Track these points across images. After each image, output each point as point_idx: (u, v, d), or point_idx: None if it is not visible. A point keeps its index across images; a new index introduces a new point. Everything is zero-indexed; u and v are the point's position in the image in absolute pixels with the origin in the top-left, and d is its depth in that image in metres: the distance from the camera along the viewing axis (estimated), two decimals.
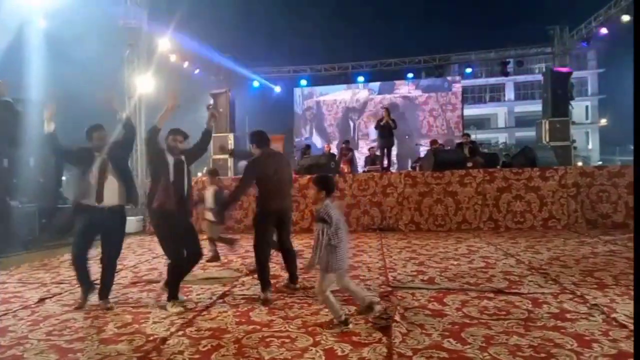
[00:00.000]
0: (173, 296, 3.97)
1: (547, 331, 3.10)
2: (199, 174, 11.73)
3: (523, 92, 40.52)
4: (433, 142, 12.92)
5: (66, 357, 2.92)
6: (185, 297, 4.17)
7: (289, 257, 4.54)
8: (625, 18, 14.67)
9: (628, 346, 2.80)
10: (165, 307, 3.89)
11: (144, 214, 9.41)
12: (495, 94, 41.99)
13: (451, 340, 3.00)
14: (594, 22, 16.78)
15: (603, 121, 38.66)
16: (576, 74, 21.36)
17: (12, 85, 8.66)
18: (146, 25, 12.89)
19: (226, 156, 12.25)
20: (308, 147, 14.23)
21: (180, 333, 3.28)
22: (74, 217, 4.03)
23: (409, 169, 14.88)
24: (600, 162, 31.46)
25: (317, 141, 21.28)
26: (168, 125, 4.18)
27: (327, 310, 3.69)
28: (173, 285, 4.02)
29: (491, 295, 4.05)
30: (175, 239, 4.01)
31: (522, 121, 39.10)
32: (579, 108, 33.91)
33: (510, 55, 20.45)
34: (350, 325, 3.25)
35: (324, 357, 2.79)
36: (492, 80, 39.59)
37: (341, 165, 12.20)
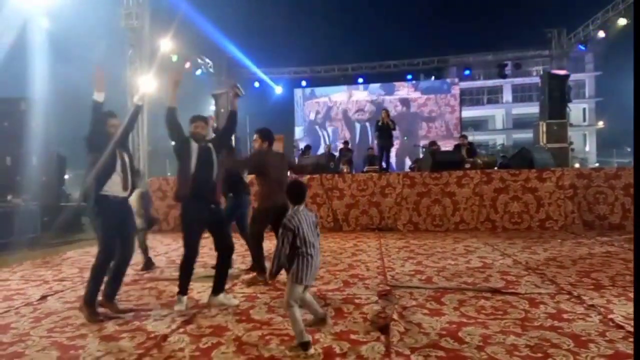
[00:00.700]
0: (180, 291, 3.89)
1: (544, 331, 3.14)
2: None
3: (521, 94, 40.63)
4: (431, 143, 12.98)
5: (68, 353, 2.94)
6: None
7: None
8: (622, 22, 14.78)
9: (624, 347, 2.84)
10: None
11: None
12: (493, 96, 42.11)
13: (449, 339, 3.03)
14: (591, 25, 16.90)
15: (600, 123, 38.82)
16: (573, 77, 21.41)
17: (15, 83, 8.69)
18: (148, 26, 12.92)
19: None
20: (308, 147, 14.27)
21: (181, 330, 3.31)
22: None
23: (408, 169, 14.93)
24: (597, 164, 31.55)
25: (317, 141, 21.33)
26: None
27: (325, 308, 3.74)
28: (181, 279, 3.90)
29: (488, 295, 4.09)
30: (191, 231, 3.84)
31: (519, 123, 39.21)
32: (576, 110, 34.08)
33: (508, 57, 20.58)
34: (311, 351, 2.83)
35: (322, 355, 2.82)
36: (490, 82, 39.69)
37: (340, 166, 12.25)
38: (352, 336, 3.12)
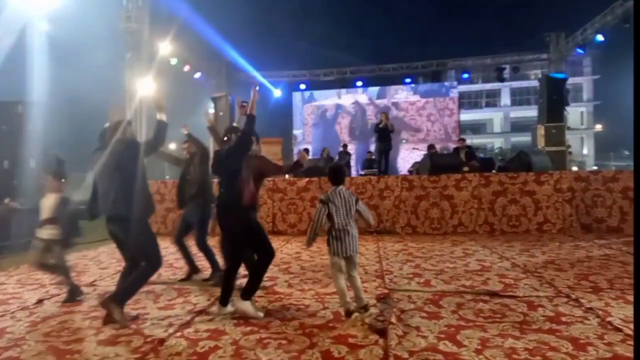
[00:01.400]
0: (222, 302, 3.76)
1: (542, 334, 3.13)
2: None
3: (519, 98, 40.83)
4: (430, 146, 13.01)
5: (64, 358, 2.92)
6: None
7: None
8: (620, 26, 14.86)
9: (623, 350, 2.83)
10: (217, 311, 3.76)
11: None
12: (491, 100, 42.32)
13: (447, 342, 3.02)
14: (589, 29, 16.95)
15: (598, 127, 39.01)
16: (572, 80, 21.57)
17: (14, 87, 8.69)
18: (147, 29, 12.94)
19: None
20: (306, 150, 14.26)
21: (178, 334, 3.29)
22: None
23: (406, 172, 14.94)
24: (595, 167, 31.66)
25: (316, 145, 21.35)
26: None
27: (324, 312, 3.74)
28: (224, 290, 3.78)
29: (487, 298, 4.08)
30: (238, 240, 3.80)
31: (517, 126, 39.40)
32: (574, 114, 34.22)
33: (507, 61, 20.65)
34: (369, 312, 3.41)
35: (320, 359, 2.81)
36: (489, 85, 39.92)
37: None
38: (350, 340, 3.11)
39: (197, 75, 18.82)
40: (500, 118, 42.54)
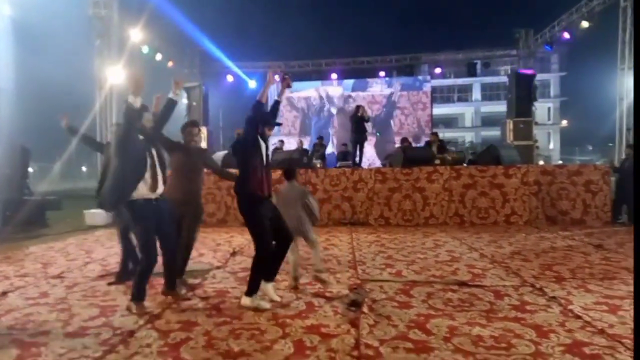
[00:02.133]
0: (254, 290, 3.70)
1: (508, 322, 3.25)
2: None
3: (489, 93, 41.62)
4: (403, 139, 13.15)
5: (29, 351, 2.85)
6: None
7: None
8: (585, 24, 15.32)
9: (582, 336, 2.97)
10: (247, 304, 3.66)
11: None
12: (462, 94, 42.98)
13: (417, 331, 3.10)
14: (557, 26, 17.38)
15: (564, 122, 40.21)
16: (540, 77, 22.07)
17: None
18: (117, 15, 12.54)
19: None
20: (281, 142, 14.21)
21: (148, 326, 3.25)
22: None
23: (380, 165, 15.06)
24: (560, 162, 32.69)
25: (290, 136, 21.25)
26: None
27: (297, 302, 3.76)
28: (256, 279, 3.73)
29: (456, 287, 4.19)
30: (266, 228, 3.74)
31: (488, 121, 40.22)
32: (541, 109, 35.18)
33: (478, 56, 21.00)
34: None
35: (293, 349, 2.83)
36: (460, 80, 40.52)
37: (314, 160, 12.25)
38: (323, 329, 3.15)
39: (170, 64, 18.41)
40: (471, 112, 43.33)
